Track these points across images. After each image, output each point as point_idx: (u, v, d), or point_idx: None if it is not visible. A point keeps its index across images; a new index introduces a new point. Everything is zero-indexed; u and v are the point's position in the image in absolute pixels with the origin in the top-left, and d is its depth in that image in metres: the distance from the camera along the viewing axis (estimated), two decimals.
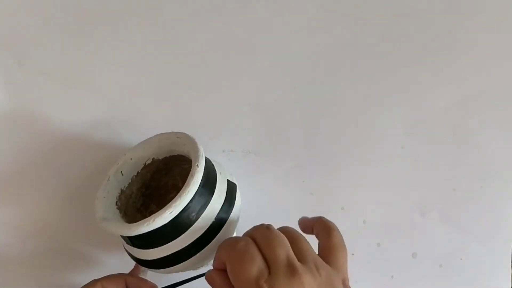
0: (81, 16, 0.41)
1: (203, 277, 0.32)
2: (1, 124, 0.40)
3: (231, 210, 0.34)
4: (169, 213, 0.30)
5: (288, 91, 0.44)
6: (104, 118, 0.42)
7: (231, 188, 0.36)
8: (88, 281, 0.35)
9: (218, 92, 0.44)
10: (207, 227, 0.32)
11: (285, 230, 0.31)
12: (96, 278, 0.35)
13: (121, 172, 0.37)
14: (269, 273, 0.28)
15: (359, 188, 0.46)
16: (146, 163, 0.38)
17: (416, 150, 0.46)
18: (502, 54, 0.46)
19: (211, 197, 0.33)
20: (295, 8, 0.43)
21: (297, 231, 0.32)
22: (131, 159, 0.37)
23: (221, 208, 0.33)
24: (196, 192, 0.31)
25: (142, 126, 0.42)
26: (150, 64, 0.42)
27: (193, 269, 0.34)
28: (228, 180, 0.36)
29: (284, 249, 0.29)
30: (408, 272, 0.46)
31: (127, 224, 0.32)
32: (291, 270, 0.28)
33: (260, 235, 0.30)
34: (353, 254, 0.45)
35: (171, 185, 0.40)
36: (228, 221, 0.34)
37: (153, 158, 0.38)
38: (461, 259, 0.47)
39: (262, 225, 0.32)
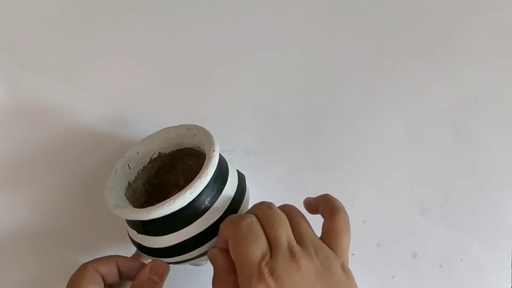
0: (81, 15, 0.41)
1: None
2: (1, 123, 0.40)
3: (243, 199, 0.35)
4: (190, 194, 0.30)
5: (288, 91, 0.44)
6: (103, 117, 0.42)
7: (241, 178, 0.36)
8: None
9: (218, 92, 0.44)
10: (221, 214, 0.32)
11: (286, 209, 0.31)
12: None
13: (128, 165, 0.37)
14: (271, 255, 0.28)
15: (359, 188, 0.46)
16: (152, 157, 0.38)
17: (416, 150, 0.46)
18: (502, 54, 0.46)
19: (225, 185, 0.33)
20: (295, 8, 0.44)
21: (298, 211, 0.32)
22: (137, 153, 0.37)
23: (234, 195, 0.34)
24: (212, 177, 0.31)
25: (141, 127, 0.42)
26: (150, 63, 0.42)
27: (203, 257, 0.34)
28: (237, 170, 0.37)
29: (285, 231, 0.29)
30: (408, 272, 0.46)
31: (143, 208, 0.31)
32: (290, 254, 0.28)
33: (263, 214, 0.30)
34: (353, 254, 0.45)
35: (172, 183, 0.40)
36: (240, 209, 0.34)
37: (160, 152, 0.38)
38: (461, 259, 0.47)
39: (263, 203, 0.32)
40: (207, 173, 0.31)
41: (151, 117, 0.42)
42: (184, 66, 0.43)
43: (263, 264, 0.27)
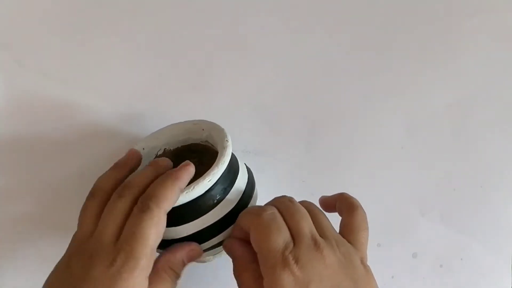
0: (82, 14, 0.41)
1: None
2: (1, 123, 0.40)
3: (253, 192, 0.35)
4: (208, 181, 0.30)
5: (288, 91, 0.44)
6: (103, 116, 0.42)
7: (250, 173, 0.37)
8: None
9: (218, 92, 0.44)
10: (234, 205, 0.32)
11: (306, 205, 0.32)
12: None
13: None
14: (294, 244, 0.28)
15: (359, 188, 0.46)
16: (158, 154, 0.38)
17: (416, 150, 0.46)
18: (502, 54, 0.46)
19: (236, 177, 0.34)
20: (295, 8, 0.44)
21: (317, 207, 0.32)
22: (143, 149, 0.37)
23: (245, 188, 0.34)
24: (226, 167, 0.32)
25: (141, 127, 0.42)
26: (150, 64, 0.42)
27: (211, 251, 0.34)
28: (245, 164, 0.37)
29: (307, 223, 0.29)
30: (408, 272, 0.46)
31: None
32: (314, 244, 0.28)
33: (284, 207, 0.30)
34: None
35: None
36: (251, 202, 0.35)
37: (165, 148, 0.38)
38: (461, 259, 0.47)
39: (284, 196, 0.32)
40: (224, 161, 0.31)
41: (150, 118, 0.42)
42: (184, 66, 0.43)
43: (287, 253, 0.27)
